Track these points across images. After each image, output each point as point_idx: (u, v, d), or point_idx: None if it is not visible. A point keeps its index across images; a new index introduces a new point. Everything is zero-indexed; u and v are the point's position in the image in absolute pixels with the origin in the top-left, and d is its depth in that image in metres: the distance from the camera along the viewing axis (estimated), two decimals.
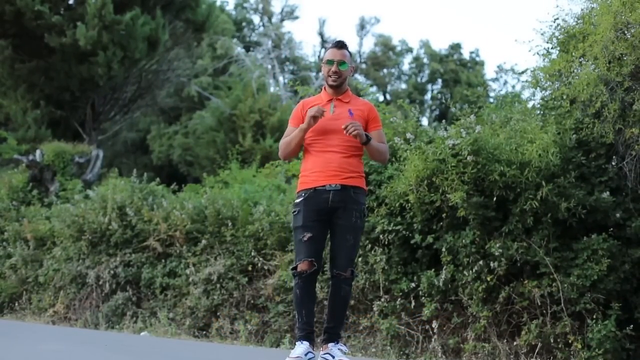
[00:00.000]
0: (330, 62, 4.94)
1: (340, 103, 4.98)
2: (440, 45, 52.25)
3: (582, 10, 7.14)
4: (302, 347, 4.73)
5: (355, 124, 4.73)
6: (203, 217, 9.59)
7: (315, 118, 4.76)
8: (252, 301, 8.73)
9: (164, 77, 22.39)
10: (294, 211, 4.91)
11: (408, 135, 7.59)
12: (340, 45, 4.99)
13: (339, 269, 4.83)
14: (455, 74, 33.93)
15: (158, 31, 18.86)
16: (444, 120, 8.10)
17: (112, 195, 10.29)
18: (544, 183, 6.57)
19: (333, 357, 4.75)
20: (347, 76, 5.00)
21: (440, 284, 7.00)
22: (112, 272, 9.92)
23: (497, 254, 6.69)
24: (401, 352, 7.18)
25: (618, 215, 6.67)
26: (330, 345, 4.82)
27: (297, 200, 4.90)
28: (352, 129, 4.69)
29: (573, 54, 6.86)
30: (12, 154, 16.67)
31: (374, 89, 35.28)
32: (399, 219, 7.35)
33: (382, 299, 7.41)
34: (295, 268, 4.82)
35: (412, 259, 7.39)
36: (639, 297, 6.65)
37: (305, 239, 4.78)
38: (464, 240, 6.87)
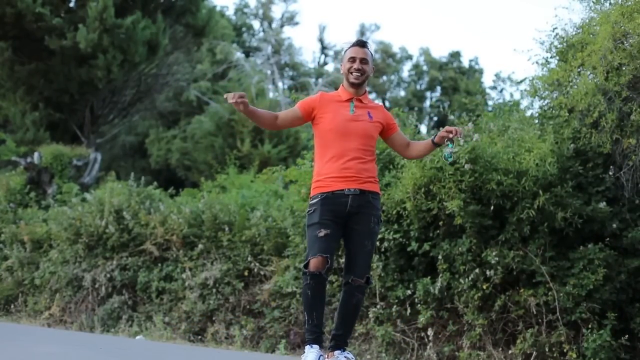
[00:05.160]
0: (352, 59, 4.78)
1: (359, 104, 4.82)
2: (440, 53, 52.34)
3: (581, 19, 7.16)
4: (313, 351, 4.55)
5: (461, 131, 4.72)
6: (200, 221, 9.59)
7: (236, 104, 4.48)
8: (247, 306, 8.72)
9: (163, 81, 22.39)
10: (309, 210, 4.68)
11: None
12: (363, 43, 4.85)
13: (355, 275, 4.65)
14: (455, 81, 33.97)
15: (158, 35, 18.88)
16: (442, 128, 8.08)
17: (110, 199, 10.28)
18: (541, 192, 6.57)
19: None
20: (369, 75, 4.84)
21: (436, 291, 7.00)
22: (108, 275, 9.91)
23: (493, 262, 6.69)
24: (396, 359, 7.18)
25: (615, 225, 6.67)
26: (337, 352, 4.68)
27: (313, 201, 4.68)
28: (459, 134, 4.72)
29: (572, 63, 6.87)
30: (10, 156, 16.69)
31: (374, 95, 35.33)
32: (396, 226, 7.35)
33: (378, 306, 7.41)
34: (307, 264, 4.56)
35: (409, 267, 7.39)
36: (635, 307, 6.65)
37: (321, 234, 4.55)
38: (460, 248, 6.87)
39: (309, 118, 4.81)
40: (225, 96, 4.48)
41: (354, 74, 4.78)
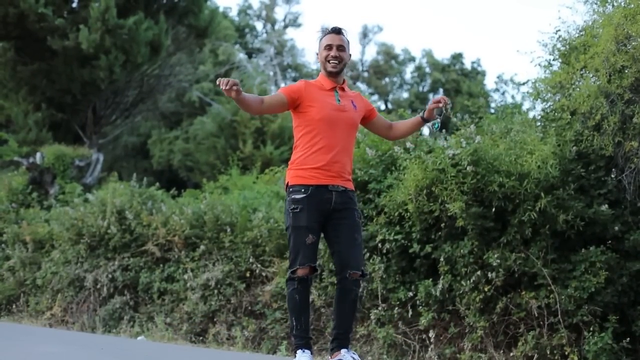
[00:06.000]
0: (329, 47, 4.67)
1: (342, 93, 4.74)
2: (443, 54, 52.35)
3: (584, 21, 7.15)
4: (306, 356, 4.49)
5: (447, 99, 4.73)
6: (202, 222, 9.59)
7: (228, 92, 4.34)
8: (249, 307, 8.72)
9: (166, 82, 22.41)
10: (295, 208, 4.53)
11: (408, 145, 7.59)
12: (338, 30, 4.73)
13: (352, 268, 4.54)
14: (457, 83, 33.99)
15: (160, 36, 18.89)
16: (444, 130, 8.10)
17: (112, 199, 10.29)
18: (542, 194, 6.57)
19: None
20: (347, 63, 4.74)
21: (438, 293, 6.99)
22: (110, 276, 9.91)
23: (495, 264, 6.69)
24: None
25: (616, 228, 6.66)
26: (344, 351, 4.57)
27: (298, 197, 4.54)
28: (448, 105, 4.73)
29: (574, 65, 6.86)
30: (13, 156, 16.70)
31: (376, 97, 35.34)
32: (397, 228, 7.35)
33: (380, 308, 7.41)
34: (294, 272, 4.50)
35: (410, 268, 7.39)
36: (636, 310, 6.64)
37: (309, 241, 4.48)
38: (462, 250, 6.87)
39: (292, 106, 4.66)
40: (218, 81, 4.30)
41: (331, 62, 4.68)
